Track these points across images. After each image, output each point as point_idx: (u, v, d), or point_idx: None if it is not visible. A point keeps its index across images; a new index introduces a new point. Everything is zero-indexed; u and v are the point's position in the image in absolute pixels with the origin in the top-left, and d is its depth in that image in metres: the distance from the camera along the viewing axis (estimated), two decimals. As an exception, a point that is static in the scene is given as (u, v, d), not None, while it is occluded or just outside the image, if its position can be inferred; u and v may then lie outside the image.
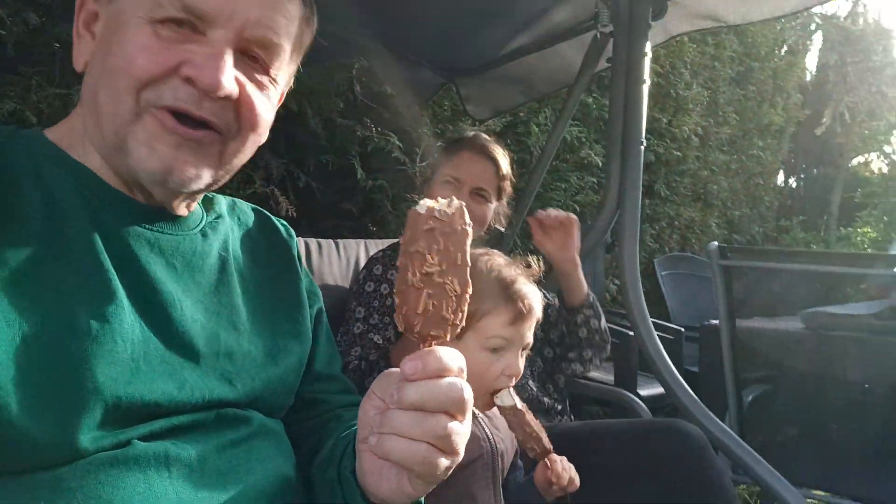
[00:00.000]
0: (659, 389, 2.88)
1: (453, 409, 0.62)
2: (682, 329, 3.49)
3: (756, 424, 2.43)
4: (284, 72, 0.85)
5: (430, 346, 0.63)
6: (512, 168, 1.89)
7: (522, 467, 1.36)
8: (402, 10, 2.02)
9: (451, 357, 0.63)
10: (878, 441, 2.28)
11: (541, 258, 1.31)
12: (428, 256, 0.62)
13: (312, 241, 1.89)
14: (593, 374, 3.30)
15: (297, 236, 1.06)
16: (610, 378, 2.97)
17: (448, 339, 0.64)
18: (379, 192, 2.84)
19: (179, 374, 0.74)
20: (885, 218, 9.11)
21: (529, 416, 1.15)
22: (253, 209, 1.02)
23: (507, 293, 1.18)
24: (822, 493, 2.40)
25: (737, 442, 1.72)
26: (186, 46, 0.73)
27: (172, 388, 0.72)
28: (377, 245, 2.07)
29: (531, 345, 1.21)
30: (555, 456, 1.18)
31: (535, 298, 1.20)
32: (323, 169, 2.64)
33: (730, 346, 2.25)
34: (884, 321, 2.31)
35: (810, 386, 2.46)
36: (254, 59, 0.79)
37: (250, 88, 0.78)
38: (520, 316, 1.17)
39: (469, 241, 0.64)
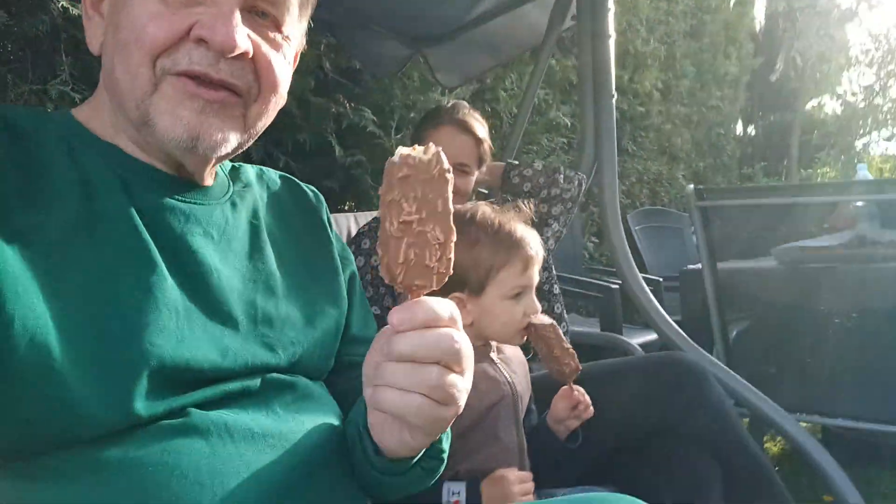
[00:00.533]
0: (644, 338, 2.99)
1: (446, 359, 0.60)
2: (661, 279, 3.59)
3: (741, 359, 2.54)
4: (296, 29, 0.84)
5: (418, 296, 0.61)
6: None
7: (535, 410, 1.43)
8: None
9: (441, 307, 0.61)
10: (855, 363, 2.40)
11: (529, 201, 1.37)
12: (404, 204, 0.60)
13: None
14: (580, 328, 3.40)
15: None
16: (597, 331, 3.06)
17: (435, 287, 0.62)
18: (358, 167, 2.86)
19: (221, 342, 0.75)
20: (843, 157, 9.39)
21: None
22: (281, 176, 1.01)
23: (514, 243, 1.23)
24: (806, 416, 2.52)
25: (728, 373, 1.81)
26: (194, 10, 0.73)
27: (216, 355, 0.74)
28: (367, 217, 2.10)
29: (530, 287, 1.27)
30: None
31: (537, 242, 1.27)
32: (301, 148, 2.65)
33: (713, 285, 2.34)
34: (851, 250, 2.42)
35: (789, 319, 2.57)
36: (264, 16, 0.78)
37: (265, 47, 0.78)
38: (530, 262, 1.24)
39: (450, 187, 0.61)
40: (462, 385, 0.63)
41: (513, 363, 1.33)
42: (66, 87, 1.84)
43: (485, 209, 1.28)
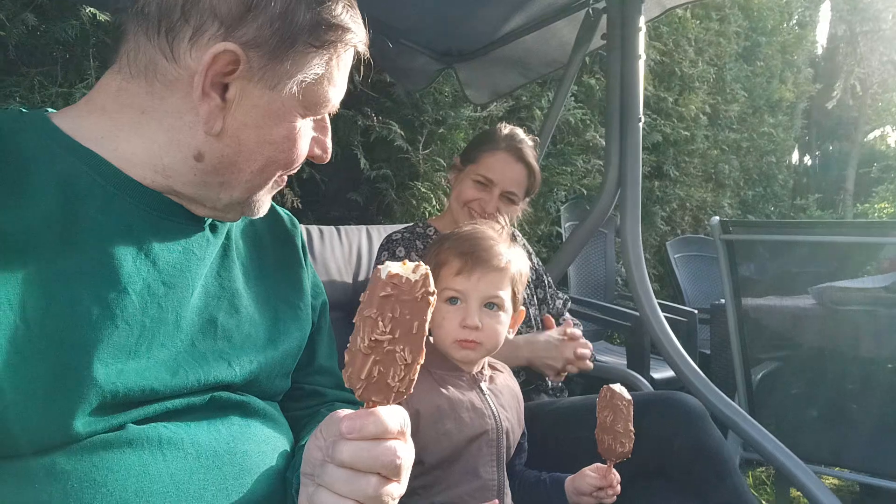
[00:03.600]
0: (671, 373, 2.88)
1: (385, 471, 0.62)
2: (696, 311, 3.45)
3: (767, 402, 2.41)
4: None
5: (373, 407, 0.62)
6: None
7: (527, 450, 1.36)
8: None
9: (392, 419, 0.62)
10: (890, 415, 2.25)
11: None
12: (380, 322, 0.61)
13: (314, 228, 1.91)
14: (606, 357, 3.30)
15: (302, 225, 1.09)
16: (623, 362, 2.95)
17: (391, 403, 0.63)
18: (383, 180, 2.85)
19: (174, 360, 0.75)
20: (903, 191, 8.96)
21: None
22: None
23: (455, 244, 1.21)
24: (836, 470, 2.38)
25: (745, 418, 1.70)
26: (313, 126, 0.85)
27: (167, 373, 0.73)
28: (379, 231, 2.08)
29: (497, 298, 1.21)
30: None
31: (486, 251, 1.21)
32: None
33: (735, 322, 2.23)
34: (894, 294, 2.28)
35: (821, 362, 2.44)
36: None
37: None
38: (465, 267, 1.19)
39: (430, 310, 0.62)
40: (397, 493, 0.64)
41: (503, 396, 1.27)
42: (92, 91, 1.88)
43: (479, 224, 1.29)
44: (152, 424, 0.72)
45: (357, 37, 0.82)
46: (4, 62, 1.85)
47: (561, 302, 1.96)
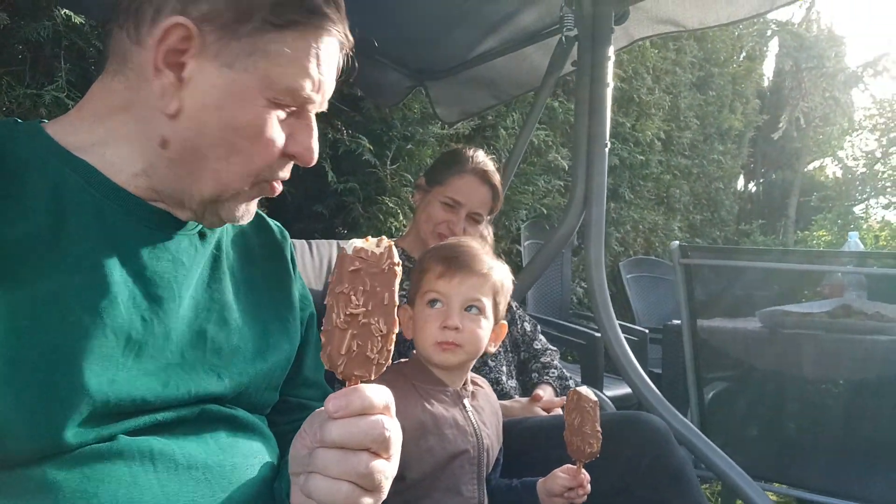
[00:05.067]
0: (624, 390, 2.95)
1: (375, 446, 0.62)
2: (647, 331, 3.56)
3: (717, 421, 2.50)
4: None
5: (355, 384, 0.63)
6: None
7: (501, 464, 1.39)
8: (370, 13, 2.04)
9: (376, 394, 0.63)
10: (833, 434, 2.36)
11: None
12: (353, 297, 0.62)
13: (284, 242, 1.90)
14: (561, 374, 3.36)
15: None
16: (577, 379, 3.01)
17: (372, 377, 0.63)
18: (350, 194, 2.85)
19: (165, 371, 0.75)
20: (839, 221, 9.42)
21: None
22: None
23: (438, 249, 1.27)
24: (781, 486, 2.48)
25: (698, 436, 1.77)
26: (288, 122, 0.80)
27: (157, 384, 0.73)
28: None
29: (478, 301, 1.24)
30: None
31: (469, 256, 1.25)
32: (293, 171, 2.63)
33: (691, 343, 2.32)
34: (836, 319, 2.41)
35: (768, 383, 2.54)
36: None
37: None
38: (447, 271, 1.23)
39: (397, 281, 0.64)
40: (389, 472, 0.65)
41: (485, 413, 1.30)
42: (62, 94, 1.84)
43: (463, 238, 1.34)
44: (144, 437, 0.72)
45: (333, 25, 0.80)
46: (-32, 59, 1.79)
47: (529, 325, 2.00)
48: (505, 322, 1.37)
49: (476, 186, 1.84)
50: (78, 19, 1.82)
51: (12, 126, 0.77)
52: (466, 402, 1.27)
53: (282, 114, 0.79)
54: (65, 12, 1.81)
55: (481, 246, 1.30)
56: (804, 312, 2.48)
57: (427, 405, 1.19)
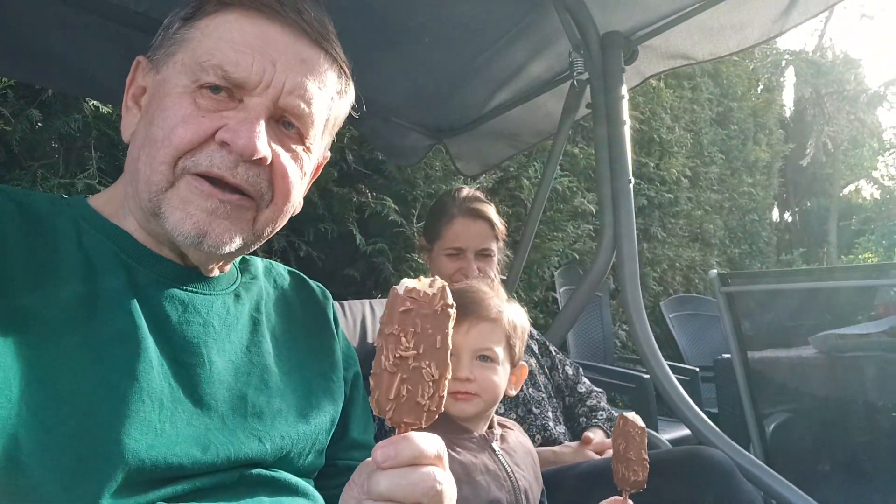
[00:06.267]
0: (681, 432, 2.83)
1: (426, 500, 0.58)
2: (697, 369, 3.44)
3: (782, 455, 2.36)
4: (319, 142, 0.87)
5: (406, 431, 0.60)
6: (505, 219, 1.94)
7: None
8: (385, 75, 2.10)
9: (427, 443, 0.59)
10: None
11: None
12: (403, 339, 0.59)
13: (317, 305, 1.91)
14: (612, 421, 3.24)
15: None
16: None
17: (423, 425, 0.60)
18: (380, 255, 2.88)
19: (205, 437, 0.73)
20: (884, 241, 9.14)
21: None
22: (289, 272, 1.03)
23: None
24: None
25: (768, 472, 1.67)
26: (223, 113, 0.76)
27: (197, 450, 0.72)
28: (381, 304, 2.08)
29: (489, 350, 1.20)
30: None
31: (476, 302, 1.21)
32: (322, 237, 2.69)
33: (743, 373, 2.22)
34: (894, 337, 2.29)
35: (832, 411, 2.41)
36: (289, 126, 0.81)
37: (284, 157, 0.80)
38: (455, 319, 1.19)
39: (451, 323, 0.61)
40: None
41: (517, 454, 1.25)
42: (93, 181, 1.92)
43: (472, 281, 1.30)
44: None
45: (259, 5, 0.78)
46: (7, 157, 1.89)
47: (571, 369, 1.95)
48: (525, 364, 1.33)
49: (469, 226, 1.83)
50: (105, 109, 1.92)
51: (57, 200, 0.81)
52: (495, 445, 1.23)
53: (205, 100, 0.76)
54: (93, 103, 1.91)
55: (490, 288, 1.27)
56: (860, 334, 2.37)
57: (454, 454, 1.15)
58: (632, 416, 1.14)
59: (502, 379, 1.22)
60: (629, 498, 1.15)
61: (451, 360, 0.61)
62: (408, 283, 0.61)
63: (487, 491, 1.14)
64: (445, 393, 0.61)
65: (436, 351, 0.60)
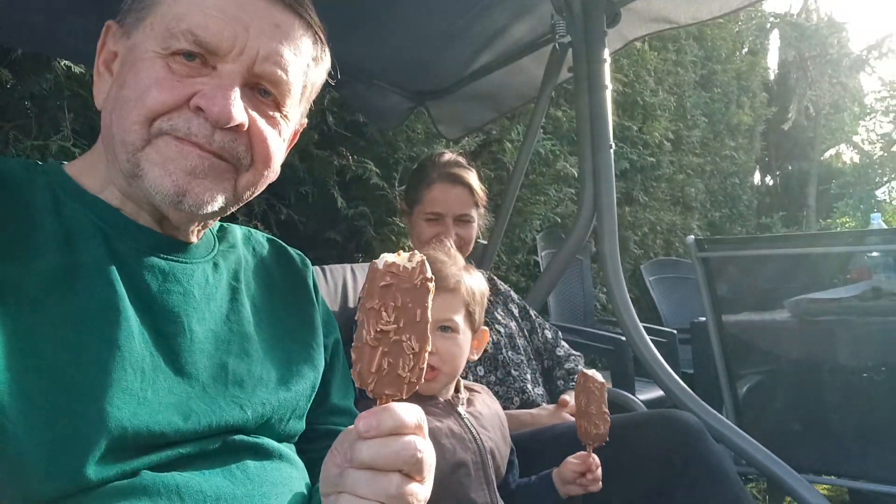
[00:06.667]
0: (656, 393, 2.89)
1: (407, 468, 0.60)
2: (675, 332, 3.50)
3: (754, 417, 2.43)
4: (296, 109, 0.86)
5: (387, 402, 0.61)
6: (487, 182, 1.94)
7: (517, 466, 1.36)
8: (366, 38, 2.06)
9: (408, 414, 0.61)
10: (880, 421, 2.29)
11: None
12: (383, 313, 0.60)
13: (298, 270, 1.90)
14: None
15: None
16: (608, 386, 2.96)
17: (404, 396, 0.62)
18: (361, 218, 2.87)
19: (185, 404, 0.74)
20: (862, 206, 9.28)
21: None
22: (268, 239, 1.03)
23: None
24: (825, 477, 2.40)
25: (737, 432, 1.72)
26: (197, 80, 0.75)
27: (178, 418, 0.72)
28: (363, 268, 2.09)
29: (450, 321, 1.22)
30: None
31: (446, 276, 1.23)
32: (303, 200, 2.67)
33: (717, 337, 2.27)
34: (866, 302, 2.34)
35: (804, 374, 2.48)
36: (265, 94, 0.81)
37: (261, 123, 0.80)
38: None
39: (430, 297, 0.62)
40: (422, 494, 0.62)
41: (484, 417, 1.28)
42: (67, 143, 1.89)
43: (427, 252, 1.28)
44: (169, 473, 0.71)
45: None
46: (-23, 119, 1.84)
47: (551, 333, 1.98)
48: (486, 329, 1.35)
49: (448, 190, 1.82)
50: (78, 69, 1.87)
51: (33, 167, 0.79)
52: (461, 409, 1.25)
53: (179, 66, 0.75)
54: (65, 64, 1.85)
55: (448, 257, 1.28)
56: (833, 298, 2.42)
57: None
58: (592, 372, 1.18)
59: (464, 348, 1.25)
60: (593, 452, 1.21)
61: (429, 334, 0.62)
62: (387, 257, 0.62)
63: (453, 453, 1.16)
64: (425, 365, 0.62)
65: (416, 324, 0.61)
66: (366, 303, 0.61)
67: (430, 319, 0.62)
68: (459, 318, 1.24)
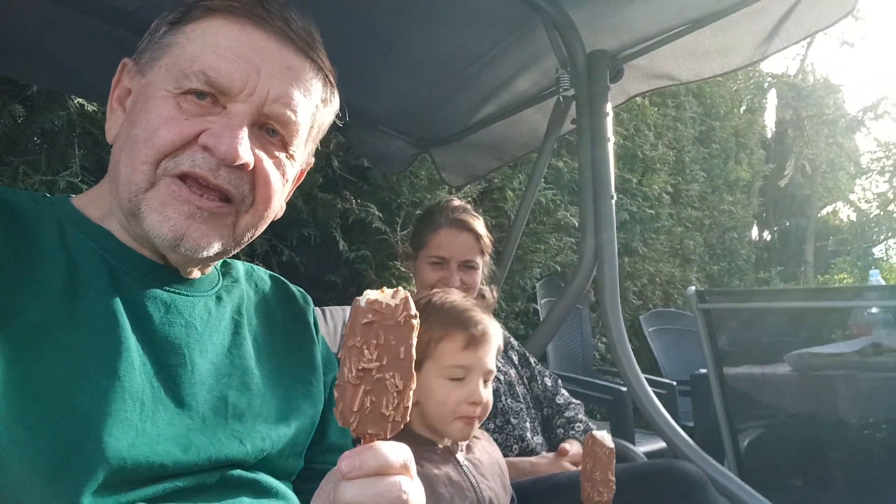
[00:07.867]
0: (657, 445, 2.85)
1: None
2: (675, 383, 3.47)
3: (756, 470, 2.39)
4: (302, 149, 0.88)
5: (371, 441, 0.60)
6: (489, 230, 1.96)
7: None
8: (373, 83, 2.12)
9: (393, 453, 0.60)
10: (873, 475, 2.25)
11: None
12: (365, 351, 0.60)
13: (298, 311, 1.91)
14: (589, 433, 3.26)
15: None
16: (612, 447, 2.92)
17: (388, 436, 0.61)
18: (362, 262, 2.88)
19: (185, 436, 0.73)
20: (859, 263, 9.32)
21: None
22: (270, 276, 1.03)
23: (459, 319, 1.20)
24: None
25: (740, 485, 1.69)
26: (207, 118, 0.76)
27: (178, 450, 0.72)
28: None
29: (493, 372, 1.22)
30: None
31: (489, 324, 1.23)
32: (305, 242, 2.69)
33: (719, 388, 2.25)
34: (867, 357, 2.33)
35: (805, 428, 2.45)
36: (273, 134, 0.82)
37: (267, 163, 0.81)
38: (473, 340, 1.19)
39: (415, 334, 0.61)
40: None
41: (483, 465, 1.25)
42: (76, 179, 1.91)
43: (449, 292, 1.29)
44: None
45: (244, 11, 0.79)
46: (-12, 152, 1.87)
47: (550, 381, 1.96)
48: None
49: (455, 236, 1.83)
50: (90, 107, 1.91)
51: (41, 199, 0.81)
52: (460, 456, 1.23)
53: (189, 104, 0.76)
54: (78, 101, 1.89)
55: (482, 305, 1.29)
56: (834, 353, 2.41)
57: (417, 466, 1.15)
58: (601, 435, 1.15)
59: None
60: None
61: (414, 371, 0.62)
62: (370, 294, 0.61)
63: (450, 502, 1.14)
64: (410, 403, 0.61)
65: (399, 362, 0.61)
66: (348, 340, 0.60)
67: (415, 356, 0.61)
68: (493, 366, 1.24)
